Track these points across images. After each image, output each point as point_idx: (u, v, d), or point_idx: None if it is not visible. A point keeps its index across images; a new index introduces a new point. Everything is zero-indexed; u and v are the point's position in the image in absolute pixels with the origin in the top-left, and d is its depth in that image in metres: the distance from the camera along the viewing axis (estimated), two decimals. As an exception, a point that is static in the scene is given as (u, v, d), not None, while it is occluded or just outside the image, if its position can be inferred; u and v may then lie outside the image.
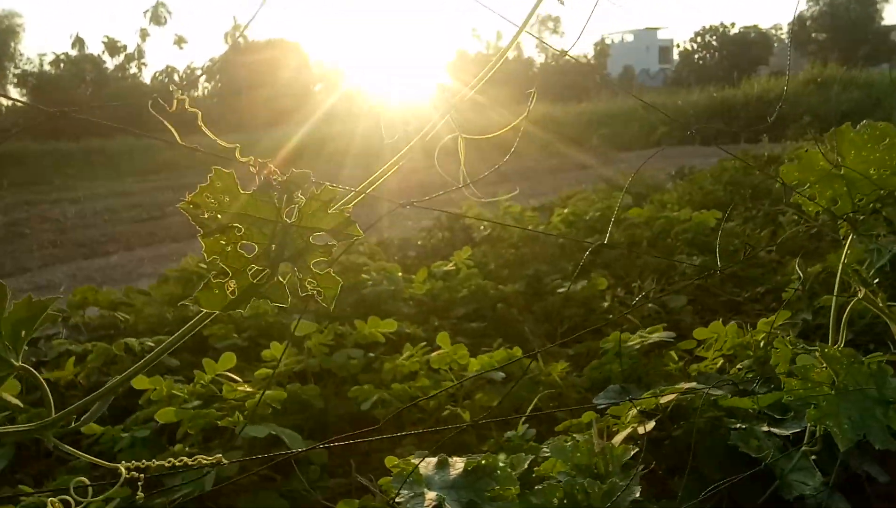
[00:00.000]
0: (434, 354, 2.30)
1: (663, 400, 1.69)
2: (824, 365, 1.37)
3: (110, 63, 37.85)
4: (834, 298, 1.52)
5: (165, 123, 0.67)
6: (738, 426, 1.63)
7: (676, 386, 1.77)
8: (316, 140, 20.63)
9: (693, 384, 1.69)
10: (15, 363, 0.64)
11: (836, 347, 1.48)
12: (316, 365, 2.53)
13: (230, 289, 0.63)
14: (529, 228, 4.40)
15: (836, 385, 1.37)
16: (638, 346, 2.25)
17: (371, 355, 2.61)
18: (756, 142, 11.73)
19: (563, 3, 0.92)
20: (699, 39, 46.34)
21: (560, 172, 14.10)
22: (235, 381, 2.18)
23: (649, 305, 3.07)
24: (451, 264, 3.67)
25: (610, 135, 21.03)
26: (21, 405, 0.78)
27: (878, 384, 1.37)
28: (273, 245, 0.63)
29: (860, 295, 1.53)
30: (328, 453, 2.13)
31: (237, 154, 0.63)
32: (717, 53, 45.29)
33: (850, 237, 1.58)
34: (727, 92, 19.89)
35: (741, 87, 20.80)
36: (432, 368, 2.32)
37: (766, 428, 1.65)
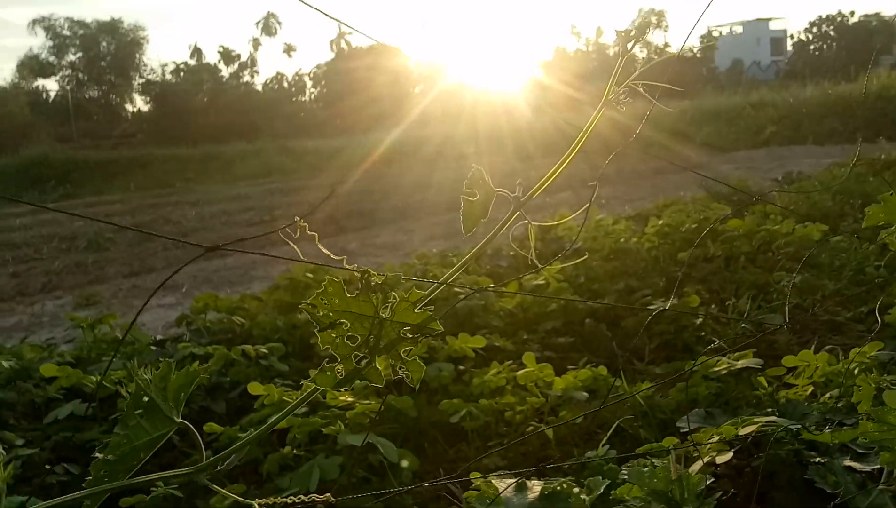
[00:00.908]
0: (521, 372, 2.41)
1: (743, 431, 1.72)
2: (903, 407, 1.38)
3: (225, 71, 40.21)
4: (920, 338, 1.52)
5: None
6: (817, 459, 1.65)
7: (758, 417, 1.80)
8: (413, 141, 21.13)
9: (773, 418, 1.72)
10: (176, 419, 0.83)
11: (920, 387, 1.48)
12: (410, 376, 2.70)
13: (338, 371, 0.80)
14: (622, 240, 4.41)
15: (916, 427, 1.38)
16: (724, 371, 2.27)
17: (461, 367, 2.76)
18: (874, 143, 11.02)
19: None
20: (815, 30, 43.60)
21: (661, 175, 13.77)
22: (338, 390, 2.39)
23: (742, 325, 3.05)
24: (541, 278, 3.76)
25: (715, 133, 20.25)
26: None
27: (961, 427, 1.36)
28: (371, 337, 0.79)
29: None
30: (420, 458, 2.30)
31: (344, 263, 0.79)
32: (834, 44, 42.47)
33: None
34: (843, 87, 18.68)
35: (858, 81, 19.45)
36: (518, 384, 2.44)
37: (848, 462, 1.66)
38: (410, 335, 0.80)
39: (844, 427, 1.77)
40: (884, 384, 1.79)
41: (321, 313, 0.79)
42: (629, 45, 1.03)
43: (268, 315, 3.67)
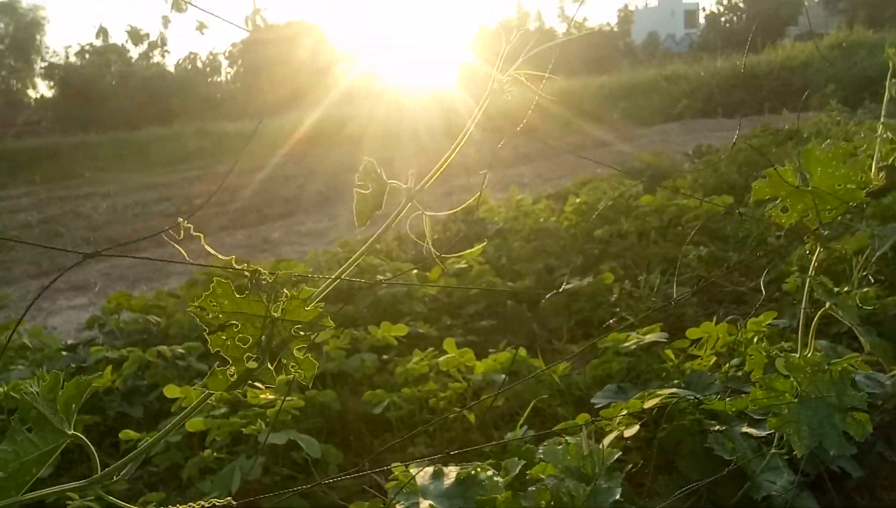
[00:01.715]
0: (442, 358, 2.44)
1: (648, 404, 1.81)
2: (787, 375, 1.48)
3: (134, 52, 38.37)
4: (802, 310, 1.63)
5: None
6: (716, 427, 1.75)
7: (663, 390, 1.89)
8: (335, 122, 20.73)
9: (674, 390, 1.81)
10: (68, 431, 0.80)
11: (803, 356, 1.59)
12: (334, 368, 2.70)
13: (230, 374, 0.79)
14: (541, 220, 4.50)
15: (800, 394, 1.49)
16: (634, 346, 2.37)
17: (385, 357, 2.77)
18: (778, 113, 11.62)
19: None
20: (725, 2, 45.27)
21: (580, 151, 14.06)
22: (258, 388, 2.36)
23: (652, 299, 3.18)
24: (463, 262, 3.81)
25: (631, 108, 20.79)
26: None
27: (838, 391, 1.48)
28: (263, 337, 0.78)
29: (827, 306, 1.63)
30: (345, 452, 2.31)
31: (233, 263, 0.78)
32: (744, 16, 44.23)
33: (818, 249, 1.67)
34: (750, 59, 19.59)
35: (765, 53, 20.38)
36: (441, 370, 2.47)
37: (745, 429, 1.77)
38: (303, 333, 0.80)
39: (743, 395, 1.88)
40: (774, 352, 1.92)
41: (210, 316, 0.78)
42: (511, 37, 1.05)
43: (185, 313, 3.57)
